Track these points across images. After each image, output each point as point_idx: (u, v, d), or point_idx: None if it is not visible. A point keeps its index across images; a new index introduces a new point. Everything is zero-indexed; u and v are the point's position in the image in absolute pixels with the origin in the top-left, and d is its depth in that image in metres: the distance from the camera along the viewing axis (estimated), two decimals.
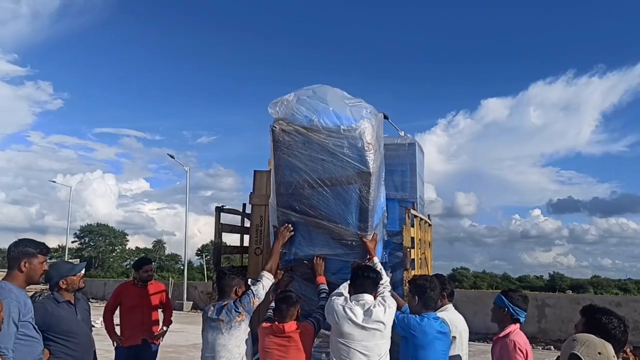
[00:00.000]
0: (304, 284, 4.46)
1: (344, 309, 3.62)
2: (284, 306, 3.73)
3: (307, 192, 4.13)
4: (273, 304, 3.99)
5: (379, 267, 4.04)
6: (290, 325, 3.69)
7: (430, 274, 5.88)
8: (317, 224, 4.19)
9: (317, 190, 4.09)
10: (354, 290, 3.75)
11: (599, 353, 2.42)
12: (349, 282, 3.86)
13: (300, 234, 4.31)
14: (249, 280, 4.04)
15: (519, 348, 3.57)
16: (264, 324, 3.82)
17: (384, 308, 3.65)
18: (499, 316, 3.87)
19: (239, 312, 3.76)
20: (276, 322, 3.72)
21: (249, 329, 3.85)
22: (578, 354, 2.45)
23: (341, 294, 3.78)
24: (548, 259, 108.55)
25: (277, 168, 4.18)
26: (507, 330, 3.75)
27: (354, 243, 4.17)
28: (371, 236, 4.18)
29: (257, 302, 3.87)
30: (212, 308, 3.85)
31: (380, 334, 3.60)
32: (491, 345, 3.98)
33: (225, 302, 3.83)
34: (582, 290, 54.39)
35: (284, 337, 3.65)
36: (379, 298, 3.75)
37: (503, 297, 3.88)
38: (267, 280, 4.05)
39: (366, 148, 3.94)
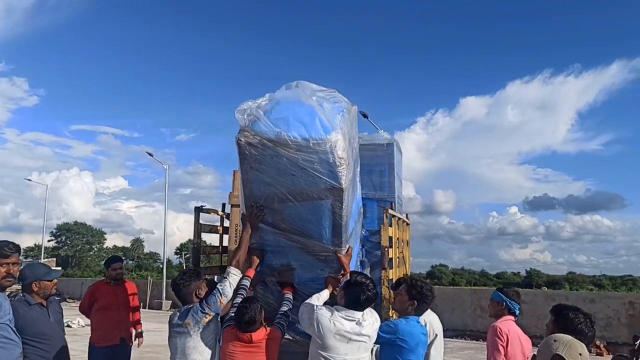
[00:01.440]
0: (267, 289, 4.32)
1: (331, 322, 3.47)
2: (250, 315, 3.54)
3: (278, 207, 3.99)
4: (234, 308, 3.77)
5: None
6: (258, 334, 3.58)
7: (409, 273, 5.96)
8: (289, 238, 4.07)
9: (288, 205, 3.94)
10: (346, 305, 3.57)
11: (580, 354, 2.53)
12: (342, 292, 3.69)
13: (271, 247, 4.18)
14: (215, 277, 3.90)
15: (499, 332, 3.94)
16: (229, 329, 3.65)
17: (372, 321, 3.57)
18: (497, 311, 4.23)
19: (206, 313, 3.65)
20: (241, 331, 3.57)
21: (218, 328, 3.75)
22: (562, 355, 2.55)
23: (319, 307, 3.63)
24: (525, 255, 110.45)
25: (245, 182, 4.02)
26: (498, 320, 4.11)
27: (328, 257, 4.04)
28: (345, 250, 4.06)
29: (224, 300, 3.75)
30: (177, 314, 3.75)
31: (364, 347, 3.53)
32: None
33: (190, 306, 3.71)
34: (558, 286, 55.29)
35: (252, 345, 3.55)
36: (367, 310, 3.62)
37: (500, 293, 4.27)
38: (234, 276, 3.89)
39: (337, 163, 3.73)
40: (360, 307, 3.54)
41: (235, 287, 3.86)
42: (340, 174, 3.77)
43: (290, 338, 4.03)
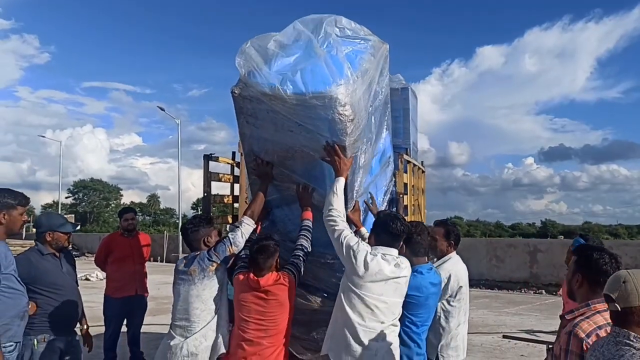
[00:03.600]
0: (287, 208, 4.13)
1: (372, 259, 3.22)
2: (261, 258, 3.34)
3: (278, 163, 3.81)
4: (246, 252, 3.63)
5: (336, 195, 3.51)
6: (267, 279, 3.33)
7: (424, 222, 5.85)
8: (294, 192, 3.91)
9: (288, 164, 3.76)
10: (377, 241, 3.34)
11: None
12: (371, 231, 3.47)
13: (276, 203, 4.06)
14: (228, 226, 3.77)
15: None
16: (239, 276, 3.46)
17: (407, 265, 3.34)
18: None
19: (212, 261, 3.49)
20: (251, 275, 3.36)
21: (226, 279, 3.61)
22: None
23: (361, 241, 3.36)
24: (540, 206, 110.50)
25: (243, 137, 3.82)
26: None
27: None
28: (352, 206, 3.86)
29: (234, 250, 3.58)
30: (183, 261, 3.63)
31: (400, 290, 3.28)
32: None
33: (197, 253, 3.58)
34: (574, 236, 55.20)
35: (261, 291, 3.33)
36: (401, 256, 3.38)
37: (582, 240, 4.27)
38: (247, 226, 3.69)
39: (338, 119, 3.39)
40: (393, 240, 3.32)
41: (246, 237, 3.67)
42: (342, 130, 3.46)
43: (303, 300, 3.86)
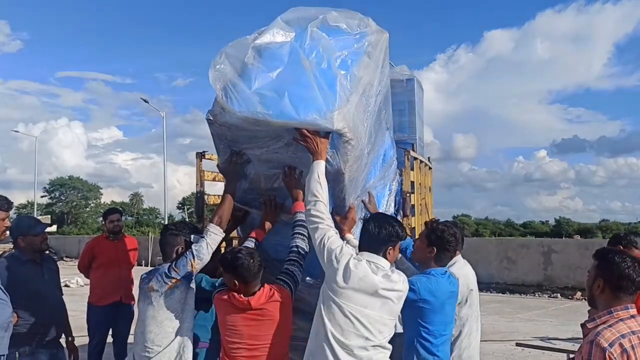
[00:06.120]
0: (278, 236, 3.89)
1: (357, 265, 2.96)
2: (245, 275, 3.01)
3: (265, 186, 3.70)
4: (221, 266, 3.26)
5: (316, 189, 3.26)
6: (258, 298, 3.03)
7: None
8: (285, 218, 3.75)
9: (277, 187, 3.62)
10: (364, 245, 3.13)
11: None
12: (360, 233, 3.26)
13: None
14: (192, 236, 3.46)
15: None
16: (220, 295, 3.13)
17: (401, 279, 3.06)
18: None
19: (171, 278, 3.21)
20: (237, 296, 3.04)
21: (188, 297, 3.31)
22: None
23: (346, 244, 3.15)
24: (554, 203, 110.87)
25: (224, 164, 3.70)
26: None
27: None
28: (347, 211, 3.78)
29: (197, 264, 3.29)
30: (145, 275, 3.42)
31: (389, 306, 2.99)
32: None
33: (159, 267, 3.37)
34: (590, 235, 55.52)
35: (254, 312, 3.04)
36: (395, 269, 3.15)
37: None
38: (213, 235, 3.41)
39: (337, 146, 3.30)
40: (382, 245, 3.07)
41: (214, 249, 3.40)
42: (342, 154, 3.36)
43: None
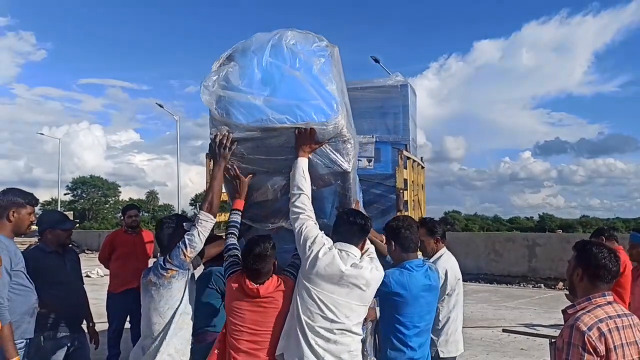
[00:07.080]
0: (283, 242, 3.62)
1: (328, 253, 2.96)
2: (259, 265, 2.99)
3: (273, 196, 3.56)
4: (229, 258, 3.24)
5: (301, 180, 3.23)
6: (267, 287, 3.01)
7: (424, 216, 5.89)
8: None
9: (284, 198, 3.41)
10: (336, 235, 3.10)
11: None
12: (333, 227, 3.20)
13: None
14: (184, 224, 3.31)
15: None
16: (232, 283, 3.09)
17: (370, 267, 3.01)
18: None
19: (167, 269, 3.11)
20: (248, 283, 3.00)
21: (187, 286, 3.18)
22: None
23: (317, 232, 3.10)
24: (537, 200, 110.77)
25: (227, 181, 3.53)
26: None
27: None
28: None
29: (190, 253, 3.15)
30: (146, 271, 3.31)
31: (358, 294, 2.95)
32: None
33: (155, 261, 3.27)
34: (572, 230, 55.45)
35: (261, 299, 3.01)
36: (365, 256, 3.09)
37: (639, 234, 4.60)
38: (204, 223, 3.22)
39: (342, 146, 3.27)
40: (352, 235, 3.06)
41: (206, 236, 3.25)
42: (345, 153, 3.32)
43: None
